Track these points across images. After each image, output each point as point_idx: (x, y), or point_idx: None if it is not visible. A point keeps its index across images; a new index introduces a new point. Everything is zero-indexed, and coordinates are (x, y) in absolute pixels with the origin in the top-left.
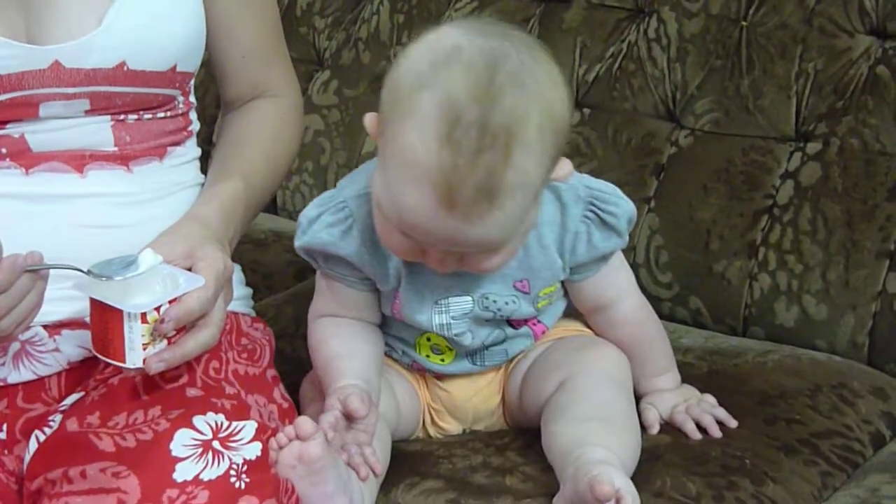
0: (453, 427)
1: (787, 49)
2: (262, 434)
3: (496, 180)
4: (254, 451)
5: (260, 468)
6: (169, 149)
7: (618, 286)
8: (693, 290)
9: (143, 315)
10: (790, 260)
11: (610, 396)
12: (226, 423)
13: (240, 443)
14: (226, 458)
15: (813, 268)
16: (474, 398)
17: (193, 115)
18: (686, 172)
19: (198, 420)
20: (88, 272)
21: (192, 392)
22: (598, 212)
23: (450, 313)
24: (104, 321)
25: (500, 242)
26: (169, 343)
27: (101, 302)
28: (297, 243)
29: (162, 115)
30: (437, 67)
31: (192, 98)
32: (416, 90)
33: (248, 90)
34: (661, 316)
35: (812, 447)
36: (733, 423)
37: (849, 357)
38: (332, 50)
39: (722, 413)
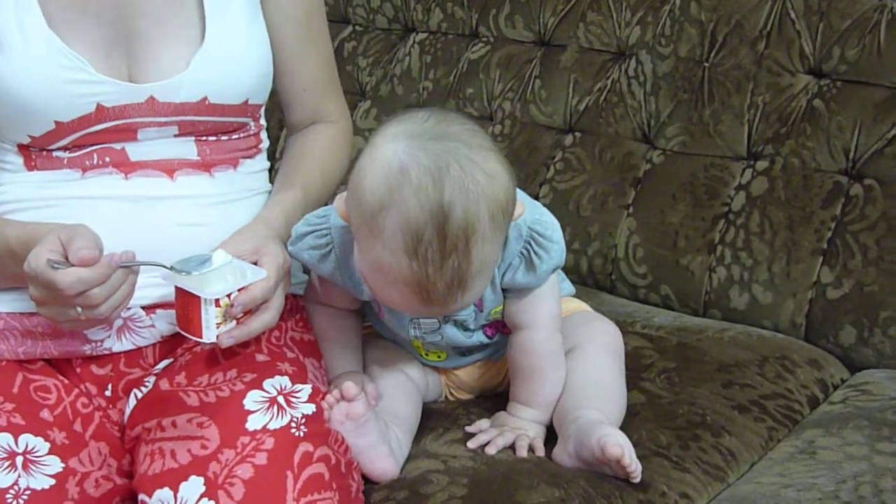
0: (466, 396)
1: (741, 85)
2: (316, 396)
3: (462, 274)
4: (310, 408)
5: (315, 421)
6: (241, 160)
7: (534, 315)
8: (663, 280)
9: (217, 301)
10: (742, 256)
11: (607, 366)
12: (289, 385)
13: (299, 400)
14: (287, 413)
15: (761, 262)
16: (479, 380)
17: (264, 135)
18: (658, 184)
19: (266, 383)
20: (171, 268)
21: (260, 357)
22: (531, 252)
23: (421, 329)
24: (186, 305)
25: (475, 300)
26: (238, 323)
27: (183, 289)
28: (289, 249)
29: (236, 136)
30: (391, 190)
31: (262, 121)
32: (378, 213)
33: (308, 117)
34: (637, 300)
35: (760, 407)
36: (541, 453)
37: (789, 334)
38: (372, 84)
39: (538, 444)
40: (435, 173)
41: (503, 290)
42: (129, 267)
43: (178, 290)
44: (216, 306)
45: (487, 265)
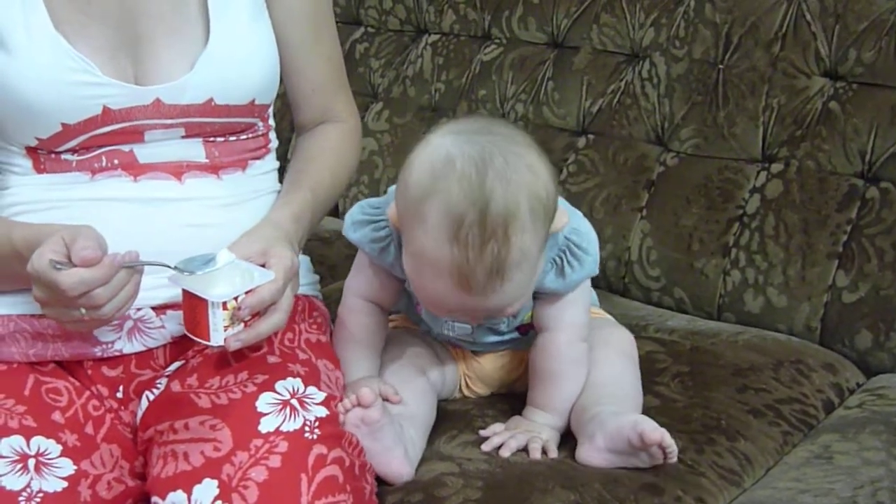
0: (483, 391)
1: (755, 87)
2: (331, 401)
3: (502, 262)
4: (323, 410)
5: (328, 423)
6: (250, 161)
7: (558, 319)
8: (677, 283)
9: (224, 304)
10: (757, 259)
11: (621, 368)
12: (301, 387)
13: (312, 402)
14: (300, 415)
15: (775, 265)
16: (500, 370)
17: (272, 135)
18: (672, 187)
19: (279, 385)
20: (175, 268)
21: (271, 359)
22: (564, 261)
23: (454, 332)
24: (193, 307)
25: (516, 302)
26: (245, 325)
27: (190, 292)
28: (348, 237)
29: (245, 137)
30: (436, 179)
31: (270, 121)
32: (423, 200)
33: (317, 117)
34: (650, 303)
35: (775, 411)
36: (554, 454)
37: (804, 338)
38: (384, 85)
39: (551, 446)
40: (479, 162)
41: (533, 294)
42: (133, 267)
43: (186, 293)
44: (224, 309)
45: (527, 258)
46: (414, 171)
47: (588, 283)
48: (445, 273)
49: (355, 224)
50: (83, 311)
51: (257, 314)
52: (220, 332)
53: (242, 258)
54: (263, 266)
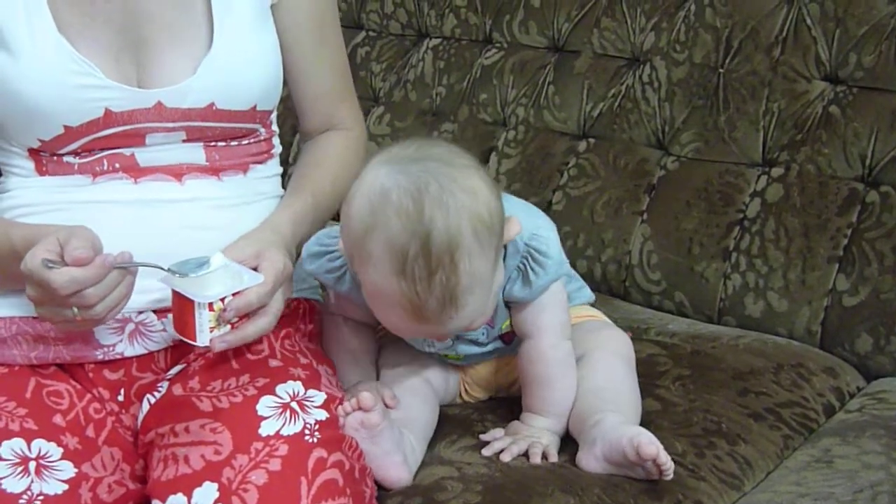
0: (481, 395)
1: (756, 91)
2: (331, 403)
3: (452, 291)
4: (323, 414)
5: (328, 427)
6: (251, 165)
7: (536, 324)
8: (678, 287)
9: (210, 304)
10: (757, 263)
11: (618, 371)
12: (302, 391)
13: (312, 405)
14: (301, 418)
15: (776, 269)
16: (497, 374)
17: (276, 141)
18: (673, 191)
19: (279, 389)
20: (168, 270)
21: (273, 363)
22: (527, 268)
23: (434, 347)
24: (181, 307)
25: (477, 320)
26: (232, 327)
27: (179, 292)
28: (305, 268)
29: (246, 142)
30: (374, 214)
31: (274, 127)
32: (364, 236)
33: (322, 124)
34: (651, 307)
35: (776, 415)
36: (554, 459)
37: (805, 342)
38: (385, 89)
39: (551, 451)
40: (415, 193)
41: (506, 303)
42: (126, 268)
43: (175, 293)
44: (210, 310)
45: (479, 281)
46: (353, 207)
47: (560, 282)
48: (397, 306)
49: (311, 256)
50: (75, 310)
51: (245, 316)
52: (206, 333)
53: (236, 260)
54: (256, 269)
